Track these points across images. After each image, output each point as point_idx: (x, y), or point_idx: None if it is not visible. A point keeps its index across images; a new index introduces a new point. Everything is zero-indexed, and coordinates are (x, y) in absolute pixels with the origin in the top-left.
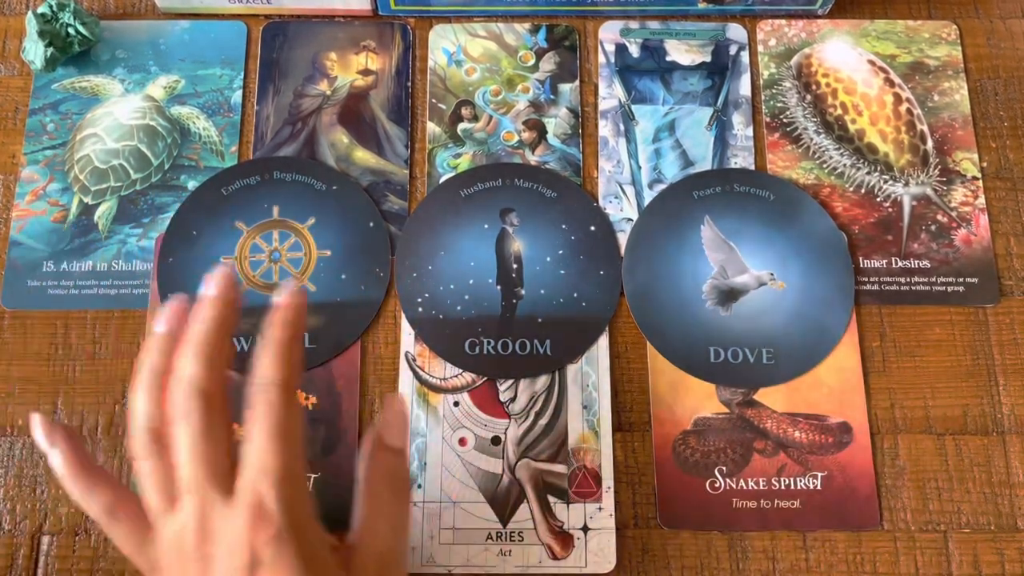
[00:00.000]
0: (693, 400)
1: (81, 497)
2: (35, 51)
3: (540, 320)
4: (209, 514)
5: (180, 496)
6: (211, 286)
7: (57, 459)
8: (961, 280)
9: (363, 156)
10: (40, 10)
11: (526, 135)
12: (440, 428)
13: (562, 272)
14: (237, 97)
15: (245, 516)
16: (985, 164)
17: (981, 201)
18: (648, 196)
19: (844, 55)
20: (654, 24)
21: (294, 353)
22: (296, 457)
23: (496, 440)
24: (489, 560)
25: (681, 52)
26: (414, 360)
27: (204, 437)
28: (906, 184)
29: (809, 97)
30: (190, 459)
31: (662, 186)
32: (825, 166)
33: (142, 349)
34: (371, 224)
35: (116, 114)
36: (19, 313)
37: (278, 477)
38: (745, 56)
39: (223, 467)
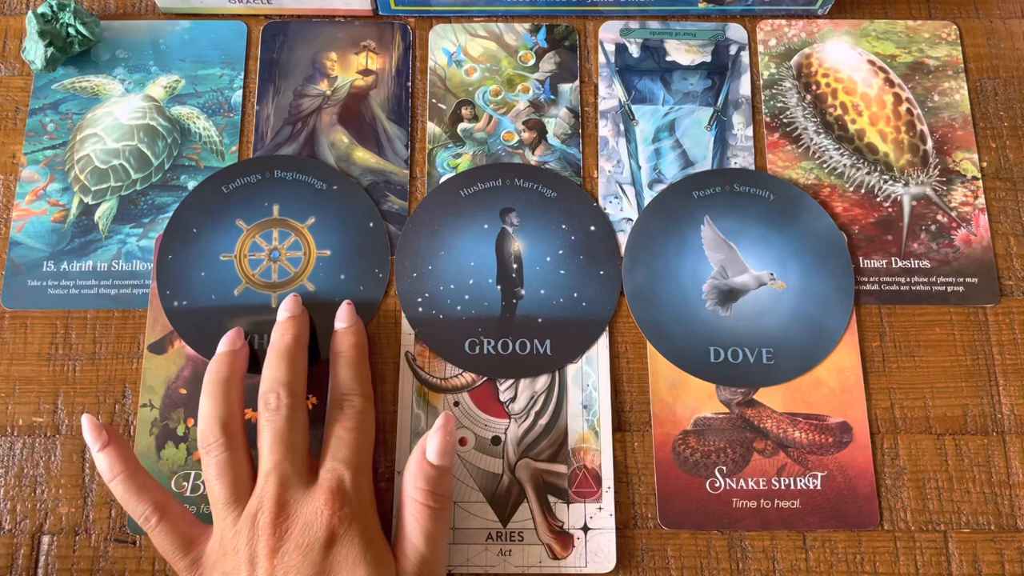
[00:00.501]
0: (693, 400)
1: (130, 498)
2: (35, 51)
3: (540, 320)
4: (288, 492)
5: (255, 482)
6: (288, 308)
7: (104, 461)
8: (961, 280)
9: (363, 156)
10: (40, 10)
11: (526, 135)
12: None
13: (562, 272)
14: (237, 97)
15: (325, 496)
16: (985, 164)
17: (981, 201)
18: (648, 196)
19: (844, 55)
20: (654, 24)
21: (367, 366)
22: (369, 456)
23: (496, 440)
24: (489, 560)
25: (681, 52)
26: (414, 360)
27: (289, 425)
28: (906, 184)
29: (809, 97)
30: (274, 445)
31: (662, 186)
32: (825, 166)
33: (211, 369)
34: (371, 224)
35: (116, 114)
36: (19, 313)
37: (356, 468)
38: (745, 56)
39: (303, 454)
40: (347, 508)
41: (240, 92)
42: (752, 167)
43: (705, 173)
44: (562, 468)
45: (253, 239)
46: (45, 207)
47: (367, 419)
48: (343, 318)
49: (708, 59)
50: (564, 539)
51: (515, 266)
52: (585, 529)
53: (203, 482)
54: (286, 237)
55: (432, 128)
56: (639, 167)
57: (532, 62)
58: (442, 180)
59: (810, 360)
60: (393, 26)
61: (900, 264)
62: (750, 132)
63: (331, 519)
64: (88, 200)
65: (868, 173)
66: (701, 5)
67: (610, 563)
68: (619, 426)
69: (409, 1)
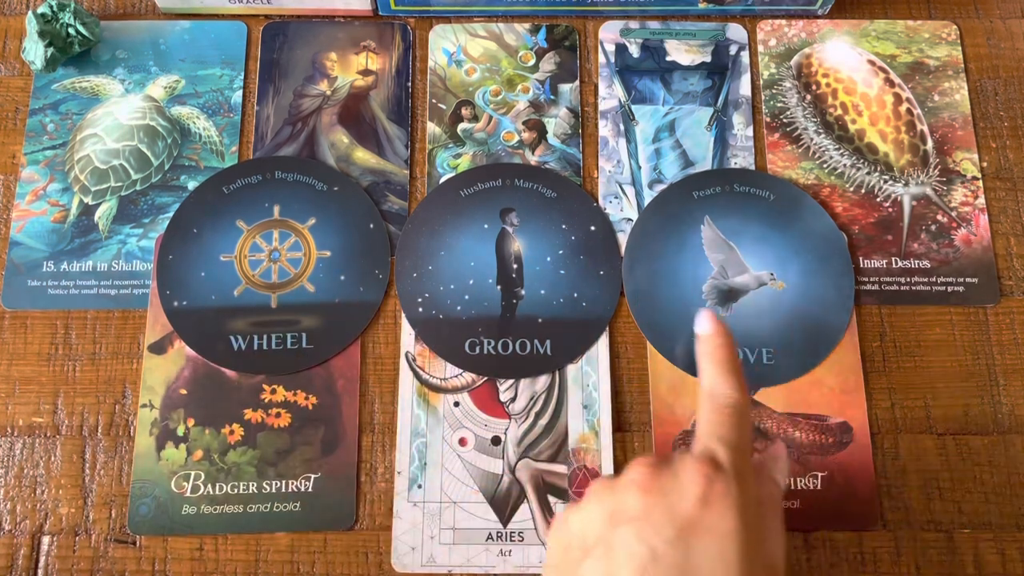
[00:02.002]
0: (693, 400)
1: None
2: (35, 51)
3: (540, 320)
4: (677, 460)
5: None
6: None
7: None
8: (961, 280)
9: (363, 156)
10: (40, 10)
11: (526, 135)
12: (440, 428)
13: (562, 272)
14: (237, 97)
15: (704, 463)
16: (985, 164)
17: (981, 201)
18: (648, 196)
19: (844, 55)
20: (654, 24)
21: (740, 369)
22: (745, 448)
23: (496, 440)
24: (489, 560)
25: (681, 52)
26: (414, 360)
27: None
28: (906, 184)
29: (809, 97)
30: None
31: (662, 186)
32: (825, 166)
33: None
34: (371, 226)
35: (116, 114)
36: (19, 313)
37: (733, 447)
38: (745, 56)
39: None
40: (723, 476)
41: (240, 92)
42: (752, 167)
43: (705, 173)
44: (562, 468)
45: (253, 239)
46: (45, 207)
47: (746, 417)
48: (705, 322)
49: (708, 59)
50: None
51: (515, 266)
52: None
53: (203, 483)
54: (286, 238)
55: (432, 128)
56: (639, 167)
57: (532, 62)
58: (442, 180)
59: (810, 360)
60: (393, 26)
61: (900, 264)
62: (750, 132)
63: (706, 484)
64: (88, 200)
65: (868, 173)
66: (701, 5)
67: None
68: (619, 426)
69: (409, 1)
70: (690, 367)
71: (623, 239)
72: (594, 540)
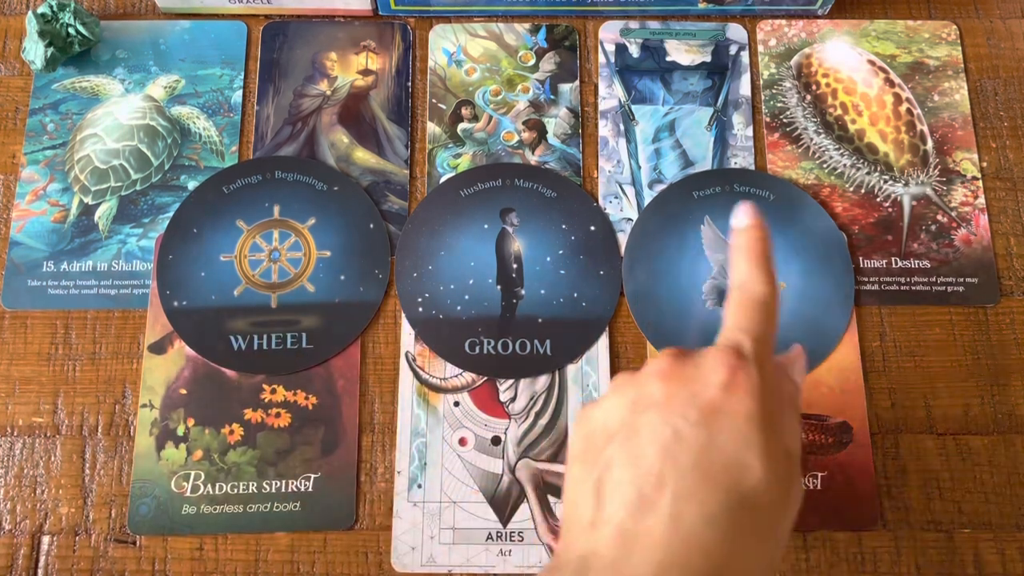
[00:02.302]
0: None
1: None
2: (35, 51)
3: (540, 320)
4: (700, 351)
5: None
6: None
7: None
8: (961, 280)
9: (363, 156)
10: (40, 10)
11: (526, 135)
12: (440, 428)
13: (562, 272)
14: (237, 97)
15: (727, 353)
16: (985, 164)
17: (981, 201)
18: (648, 196)
19: (844, 55)
20: (654, 24)
21: (772, 263)
22: (769, 340)
23: (496, 440)
24: (489, 560)
25: (681, 52)
26: (414, 360)
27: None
28: (906, 184)
29: (809, 97)
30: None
31: (662, 186)
32: (825, 166)
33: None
34: (371, 226)
35: (116, 114)
36: (19, 313)
37: (754, 337)
38: (745, 56)
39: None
40: (746, 362)
41: (240, 92)
42: (752, 167)
43: (705, 173)
44: (562, 468)
45: (253, 239)
46: (45, 207)
47: (772, 308)
48: (744, 215)
49: (708, 59)
50: None
51: (515, 266)
52: None
53: (203, 483)
54: (286, 238)
55: (432, 128)
56: (639, 167)
57: (532, 62)
58: (442, 180)
59: (810, 360)
60: (393, 26)
61: (900, 264)
62: (750, 132)
63: (729, 371)
64: (88, 200)
65: (868, 173)
66: (701, 5)
67: None
68: None
69: (409, 1)
70: None
71: (623, 239)
72: (617, 426)
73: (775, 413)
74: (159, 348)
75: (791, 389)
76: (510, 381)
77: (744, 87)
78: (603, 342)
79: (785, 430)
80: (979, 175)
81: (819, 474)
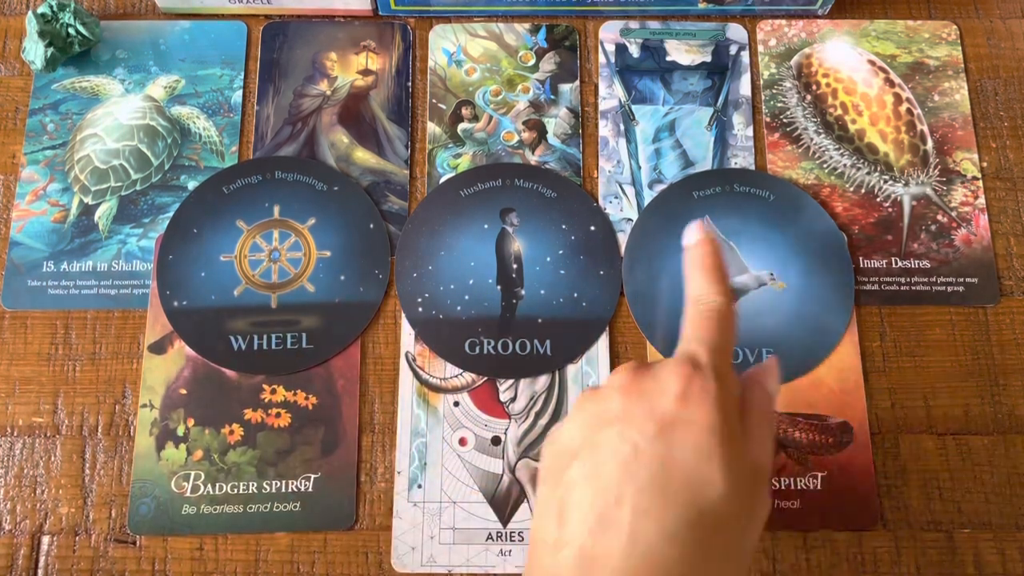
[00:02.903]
0: None
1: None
2: (35, 51)
3: (540, 320)
4: (658, 364)
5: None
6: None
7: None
8: (961, 280)
9: (363, 156)
10: (40, 10)
11: (526, 135)
12: (440, 428)
13: (562, 272)
14: (237, 97)
15: (684, 364)
16: (985, 164)
17: (981, 201)
18: (648, 196)
19: (844, 55)
20: (654, 24)
21: (724, 276)
22: (726, 350)
23: (496, 440)
24: (489, 560)
25: (681, 52)
26: (414, 360)
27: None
28: (906, 184)
29: (809, 97)
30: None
31: (662, 186)
32: (825, 166)
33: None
34: (371, 226)
35: (116, 114)
36: (19, 313)
37: (710, 347)
38: (745, 56)
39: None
40: (702, 375)
41: (240, 92)
42: (752, 167)
43: (705, 173)
44: None
45: (253, 239)
46: (45, 207)
47: (727, 318)
48: (694, 231)
49: (708, 59)
50: None
51: (515, 266)
52: None
53: (203, 483)
54: (286, 238)
55: (432, 128)
56: (639, 167)
57: (532, 62)
58: (442, 180)
59: (810, 360)
60: (393, 26)
61: (900, 264)
62: (750, 132)
63: (686, 382)
64: (88, 200)
65: (868, 173)
66: (701, 5)
67: None
68: None
69: (409, 1)
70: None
71: (623, 239)
72: (580, 444)
73: (735, 422)
74: (159, 348)
75: (763, 400)
76: (510, 381)
77: (744, 87)
78: (603, 342)
79: (752, 442)
80: (979, 175)
81: (819, 474)
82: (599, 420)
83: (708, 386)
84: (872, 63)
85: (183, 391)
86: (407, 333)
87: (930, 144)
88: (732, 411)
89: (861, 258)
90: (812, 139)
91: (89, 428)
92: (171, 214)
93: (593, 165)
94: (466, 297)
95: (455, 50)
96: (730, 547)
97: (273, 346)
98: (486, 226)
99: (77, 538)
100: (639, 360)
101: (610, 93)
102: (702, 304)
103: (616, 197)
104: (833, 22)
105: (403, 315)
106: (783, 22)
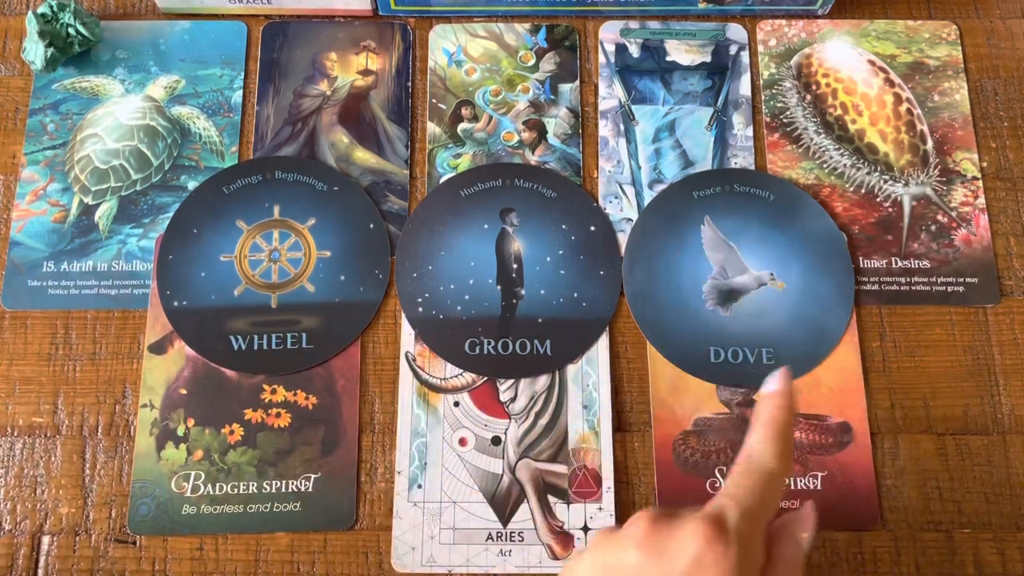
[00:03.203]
0: (693, 400)
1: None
2: (35, 51)
3: (540, 320)
4: (681, 517)
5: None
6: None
7: None
8: (961, 280)
9: (363, 156)
10: (40, 10)
11: (526, 135)
12: (440, 428)
13: (562, 272)
14: (237, 97)
15: (707, 523)
16: (985, 164)
17: (981, 201)
18: (648, 196)
19: (844, 55)
20: (654, 24)
21: (791, 435)
22: (761, 515)
23: (496, 440)
24: (489, 560)
25: (681, 52)
26: (414, 360)
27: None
28: (906, 184)
29: (809, 97)
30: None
31: (662, 186)
32: (825, 166)
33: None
34: (371, 226)
35: (116, 114)
36: (19, 313)
37: (744, 510)
38: (745, 56)
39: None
40: (724, 538)
41: (240, 92)
42: (752, 167)
43: (705, 173)
44: (562, 468)
45: (253, 240)
46: (45, 207)
47: (774, 492)
48: (775, 381)
49: (708, 59)
50: (564, 539)
51: (515, 266)
52: (585, 529)
53: (203, 483)
54: (286, 238)
55: (432, 128)
56: (639, 167)
57: (532, 62)
58: (442, 180)
59: (810, 360)
60: (393, 26)
61: (900, 264)
62: (750, 132)
63: (704, 545)
64: (88, 200)
65: (868, 173)
66: (701, 5)
67: None
68: (619, 426)
69: (409, 1)
70: (681, 360)
71: (623, 239)
72: None
73: None
74: (159, 348)
75: (793, 555)
76: (510, 381)
77: (744, 87)
78: (603, 342)
79: None
80: (979, 175)
81: (819, 474)
82: (612, 571)
83: (728, 554)
84: (872, 63)
85: (183, 391)
86: (407, 333)
87: (930, 144)
88: None
89: (861, 258)
90: (812, 139)
91: (89, 428)
92: (171, 214)
93: (593, 165)
94: (466, 297)
95: (455, 50)
96: None
97: (273, 346)
98: (486, 226)
99: (77, 538)
100: (663, 508)
101: (610, 93)
102: (754, 461)
103: (616, 197)
104: (833, 22)
105: (403, 315)
106: (783, 22)
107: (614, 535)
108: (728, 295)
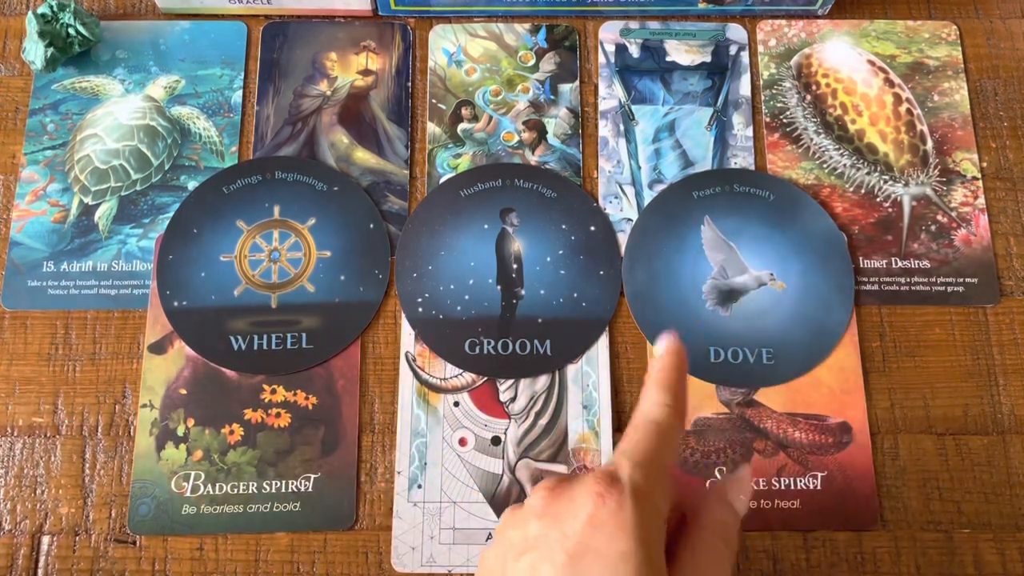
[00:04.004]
0: (693, 400)
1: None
2: (35, 51)
3: (540, 320)
4: (577, 479)
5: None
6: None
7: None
8: (961, 280)
9: (363, 156)
10: (40, 10)
11: (526, 135)
12: (440, 428)
13: (562, 272)
14: (237, 97)
15: (599, 481)
16: (985, 164)
17: (981, 201)
18: (648, 196)
19: (844, 55)
20: (654, 24)
21: (681, 388)
22: (656, 465)
23: (496, 440)
24: None
25: (681, 52)
26: (414, 360)
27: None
28: (906, 184)
29: (809, 97)
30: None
31: (662, 186)
32: (825, 166)
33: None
34: (371, 226)
35: (116, 114)
36: (19, 313)
37: (636, 462)
38: (745, 56)
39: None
40: (617, 492)
41: (240, 92)
42: (752, 167)
43: (705, 173)
44: (562, 468)
45: (253, 240)
46: (45, 207)
47: (670, 433)
48: (662, 342)
49: (708, 59)
50: None
51: (515, 266)
52: None
53: (203, 483)
54: (286, 238)
55: (432, 128)
56: (639, 167)
57: (532, 62)
58: (442, 180)
59: (810, 360)
60: (393, 26)
61: (900, 264)
62: (750, 132)
63: (598, 501)
64: (88, 200)
65: (868, 173)
66: (701, 5)
67: None
68: (619, 426)
69: (409, 1)
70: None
71: (623, 239)
72: (500, 573)
73: (658, 551)
74: (159, 348)
75: (726, 519)
76: (510, 381)
77: (744, 87)
78: (603, 342)
79: (696, 569)
80: (979, 175)
81: (819, 474)
82: (516, 548)
83: (623, 508)
84: (872, 63)
85: (183, 391)
86: (407, 333)
87: (930, 144)
88: (654, 535)
89: (861, 258)
90: (812, 139)
91: (89, 428)
92: (171, 214)
93: (593, 165)
94: (466, 297)
95: (455, 50)
96: None
97: (273, 346)
98: (486, 226)
99: (77, 538)
100: (561, 475)
101: (610, 93)
102: (642, 414)
103: (616, 197)
104: (833, 22)
105: (403, 315)
106: (783, 22)
107: (517, 511)
108: (728, 295)
